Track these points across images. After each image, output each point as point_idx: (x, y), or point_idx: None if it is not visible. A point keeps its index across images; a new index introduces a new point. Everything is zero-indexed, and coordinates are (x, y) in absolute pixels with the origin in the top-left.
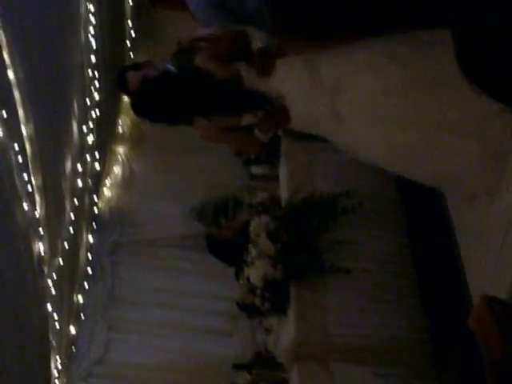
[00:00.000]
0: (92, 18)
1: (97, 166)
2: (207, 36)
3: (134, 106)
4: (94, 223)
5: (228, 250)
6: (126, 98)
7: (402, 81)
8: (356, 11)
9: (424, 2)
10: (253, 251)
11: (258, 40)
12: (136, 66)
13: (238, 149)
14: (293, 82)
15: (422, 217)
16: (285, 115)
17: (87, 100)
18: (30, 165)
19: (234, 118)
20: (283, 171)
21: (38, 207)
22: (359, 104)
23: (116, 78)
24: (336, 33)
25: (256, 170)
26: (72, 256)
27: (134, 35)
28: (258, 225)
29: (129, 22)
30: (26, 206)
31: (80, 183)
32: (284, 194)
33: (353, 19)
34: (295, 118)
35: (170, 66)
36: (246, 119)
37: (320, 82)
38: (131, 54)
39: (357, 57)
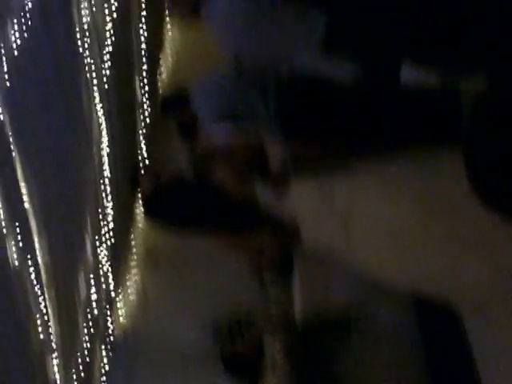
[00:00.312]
0: (104, 133)
1: (111, 282)
2: (223, 145)
3: (145, 208)
4: (108, 341)
5: (243, 366)
6: (139, 212)
7: (414, 204)
8: (359, 124)
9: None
10: (268, 367)
11: (271, 148)
12: (150, 168)
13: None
14: (305, 202)
15: (438, 332)
16: (296, 237)
17: (100, 216)
18: (43, 281)
19: (243, 235)
20: (297, 283)
21: (51, 324)
22: (371, 225)
23: (129, 180)
24: (343, 142)
25: (269, 283)
26: (86, 375)
27: (145, 148)
28: (273, 340)
29: (140, 134)
30: (39, 323)
31: (94, 300)
32: (298, 306)
33: (357, 132)
34: (306, 239)
35: (184, 170)
36: (255, 238)
37: (332, 203)
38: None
39: (370, 180)
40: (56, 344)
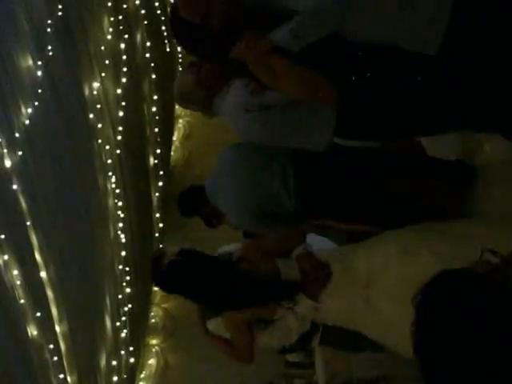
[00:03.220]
0: (120, 213)
1: (131, 359)
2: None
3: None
4: None
5: None
6: (157, 289)
7: (434, 267)
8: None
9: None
10: None
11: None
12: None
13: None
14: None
15: None
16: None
17: (119, 295)
18: (64, 363)
19: (267, 311)
20: (319, 358)
21: None
22: (392, 292)
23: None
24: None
25: (292, 357)
26: None
27: (161, 225)
28: None
29: (157, 214)
30: None
31: (115, 378)
32: (321, 380)
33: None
34: (328, 312)
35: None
36: (280, 313)
37: (353, 274)
38: (160, 244)
39: (389, 247)
40: None
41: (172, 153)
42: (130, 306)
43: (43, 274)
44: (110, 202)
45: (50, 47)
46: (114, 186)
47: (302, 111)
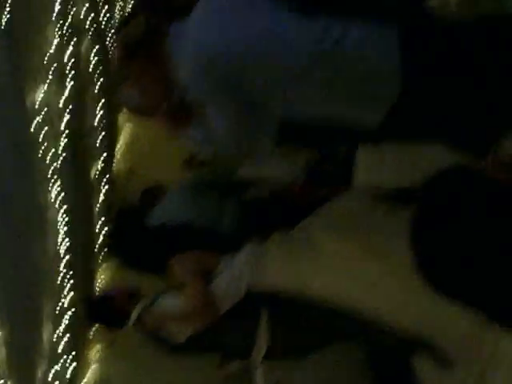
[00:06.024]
0: (61, 227)
1: (68, 372)
2: None
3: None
4: None
5: None
6: None
7: None
8: None
9: None
10: None
11: None
12: None
13: None
14: None
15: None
16: None
17: (59, 305)
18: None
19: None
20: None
21: None
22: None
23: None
24: None
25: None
26: None
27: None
28: None
29: (97, 226)
30: None
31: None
32: None
33: None
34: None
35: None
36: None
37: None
38: (100, 257)
39: None
40: None
41: (114, 163)
42: (69, 317)
43: None
44: (51, 212)
45: None
46: (54, 196)
47: None
